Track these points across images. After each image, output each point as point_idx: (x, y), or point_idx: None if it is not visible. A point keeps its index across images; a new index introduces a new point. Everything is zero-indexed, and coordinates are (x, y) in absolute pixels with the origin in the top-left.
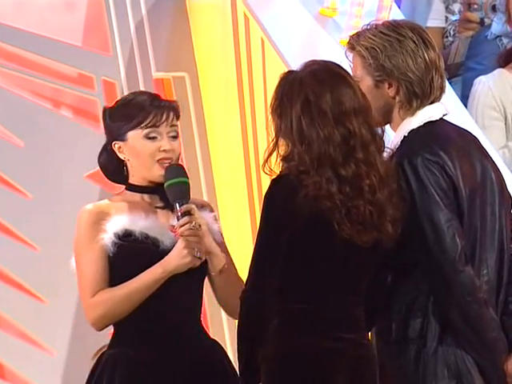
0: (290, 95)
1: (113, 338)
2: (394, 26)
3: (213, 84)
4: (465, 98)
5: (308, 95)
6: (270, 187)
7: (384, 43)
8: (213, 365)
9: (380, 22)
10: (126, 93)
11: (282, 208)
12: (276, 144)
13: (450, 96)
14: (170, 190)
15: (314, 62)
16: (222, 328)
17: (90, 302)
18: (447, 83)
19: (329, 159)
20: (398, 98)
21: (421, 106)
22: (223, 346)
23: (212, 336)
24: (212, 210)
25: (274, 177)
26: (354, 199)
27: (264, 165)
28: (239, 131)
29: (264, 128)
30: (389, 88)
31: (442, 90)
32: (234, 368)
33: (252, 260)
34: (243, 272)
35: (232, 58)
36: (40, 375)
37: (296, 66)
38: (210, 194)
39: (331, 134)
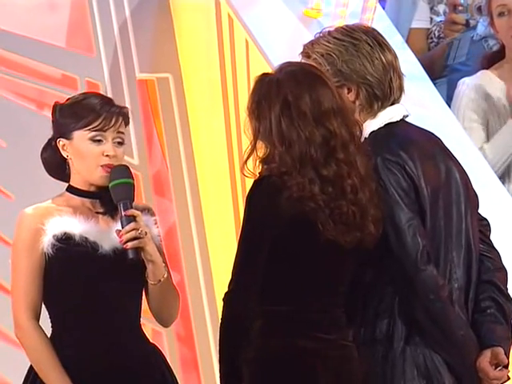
0: (267, 97)
1: (50, 338)
2: (347, 31)
3: (197, 85)
4: (450, 100)
5: (287, 96)
6: (252, 188)
7: (339, 48)
8: (150, 374)
9: (332, 28)
10: (109, 94)
11: (265, 209)
12: (254, 146)
13: (434, 97)
14: (115, 190)
15: (289, 64)
16: (206, 331)
17: (22, 323)
18: (432, 84)
19: (310, 160)
20: (358, 102)
21: (382, 107)
22: (207, 349)
23: (196, 340)
24: (153, 214)
25: (255, 178)
26: (337, 199)
27: (243, 167)
28: (223, 132)
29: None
30: (348, 93)
31: (401, 90)
32: (174, 375)
33: (235, 262)
34: (226, 270)
35: (216, 59)
36: (20, 375)
37: None
38: (194, 196)
39: (312, 134)
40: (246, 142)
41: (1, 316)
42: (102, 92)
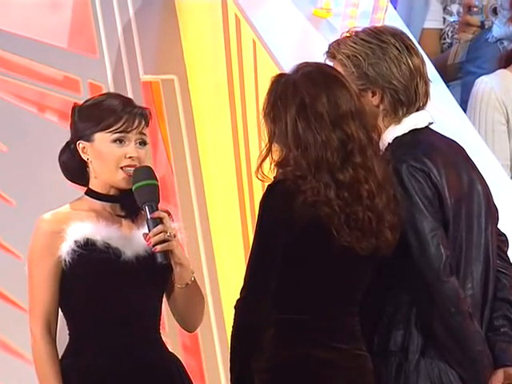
0: (283, 98)
1: (68, 346)
2: (375, 33)
3: (203, 87)
4: (464, 103)
5: (303, 98)
6: (266, 193)
7: (366, 51)
8: (171, 378)
9: (360, 29)
10: None
11: (279, 214)
12: (269, 149)
13: (448, 101)
14: (139, 192)
15: (306, 64)
16: (212, 340)
17: (35, 336)
18: (446, 87)
19: (326, 164)
20: (382, 107)
21: (407, 113)
22: (213, 359)
23: (202, 350)
24: (171, 217)
25: (269, 182)
26: (353, 205)
27: (257, 171)
28: (230, 135)
29: (255, 132)
30: (372, 96)
31: (427, 96)
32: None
33: (247, 268)
34: (232, 278)
35: (223, 60)
36: None
37: (289, 68)
38: (200, 200)
39: (328, 137)
40: (254, 145)
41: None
42: None
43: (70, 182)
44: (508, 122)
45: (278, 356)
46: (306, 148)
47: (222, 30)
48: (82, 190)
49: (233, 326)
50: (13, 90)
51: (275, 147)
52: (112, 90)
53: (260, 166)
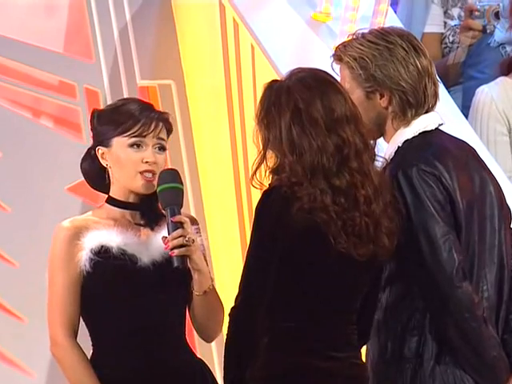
0: (277, 104)
1: (91, 357)
2: (382, 34)
3: (200, 92)
4: (465, 109)
5: (297, 103)
6: (261, 199)
7: (373, 52)
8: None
9: (366, 31)
10: (109, 102)
11: (275, 221)
12: (264, 156)
13: (449, 106)
14: (163, 194)
15: (300, 70)
16: (209, 347)
17: (60, 341)
18: (446, 92)
19: (322, 169)
20: (390, 109)
21: (416, 115)
22: (211, 366)
23: (200, 356)
24: (194, 222)
25: (264, 189)
26: (350, 211)
27: (252, 178)
28: (228, 141)
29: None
30: (381, 99)
31: (436, 97)
32: None
33: (242, 275)
34: (231, 285)
35: (220, 65)
36: None
37: None
38: (197, 206)
39: (324, 143)
40: (252, 152)
41: None
42: (101, 100)
43: (65, 188)
44: (510, 132)
45: (272, 364)
46: (302, 154)
47: (219, 34)
48: (80, 197)
49: (227, 334)
50: (7, 95)
51: (270, 154)
52: (108, 96)
53: (254, 173)
